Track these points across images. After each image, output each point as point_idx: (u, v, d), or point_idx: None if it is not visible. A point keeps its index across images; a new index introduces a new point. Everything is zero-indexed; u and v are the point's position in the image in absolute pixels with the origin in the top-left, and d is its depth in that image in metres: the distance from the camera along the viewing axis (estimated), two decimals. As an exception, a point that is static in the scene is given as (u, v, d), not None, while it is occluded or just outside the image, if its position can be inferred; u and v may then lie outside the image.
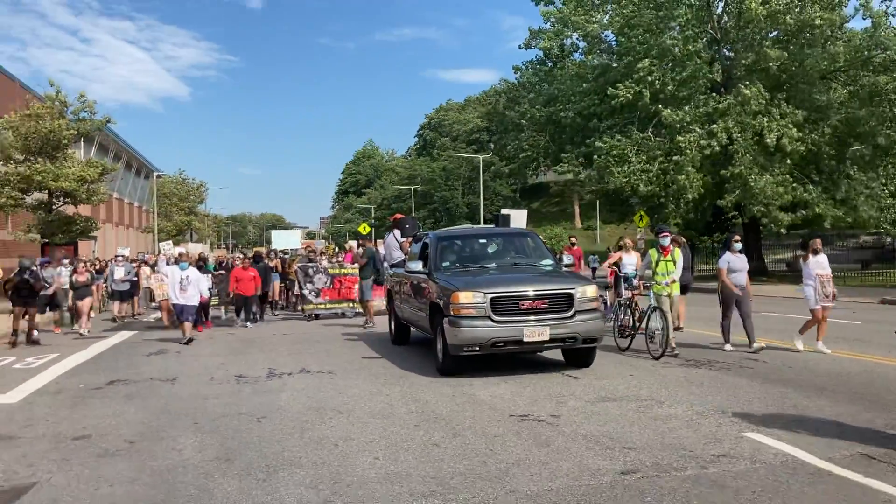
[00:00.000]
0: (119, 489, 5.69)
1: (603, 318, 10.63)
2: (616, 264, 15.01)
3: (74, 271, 18.06)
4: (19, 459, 6.63)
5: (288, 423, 7.66)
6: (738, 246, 12.36)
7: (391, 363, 11.64)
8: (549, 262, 11.71)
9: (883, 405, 7.73)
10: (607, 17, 35.73)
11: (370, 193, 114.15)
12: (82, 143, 37.86)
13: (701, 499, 5.07)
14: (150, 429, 7.69)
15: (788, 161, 29.48)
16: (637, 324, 12.28)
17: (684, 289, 13.97)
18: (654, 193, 31.26)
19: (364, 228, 51.22)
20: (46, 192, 28.44)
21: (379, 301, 18.20)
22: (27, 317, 15.61)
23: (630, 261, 14.79)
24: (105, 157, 44.95)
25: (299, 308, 21.27)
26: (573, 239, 22.55)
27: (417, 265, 11.71)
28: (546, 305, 9.83)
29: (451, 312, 9.84)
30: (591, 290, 10.15)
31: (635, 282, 12.89)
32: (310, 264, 21.11)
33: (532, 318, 9.74)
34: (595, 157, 32.64)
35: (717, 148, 29.27)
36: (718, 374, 9.90)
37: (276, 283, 23.09)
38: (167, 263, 18.86)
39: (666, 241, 11.96)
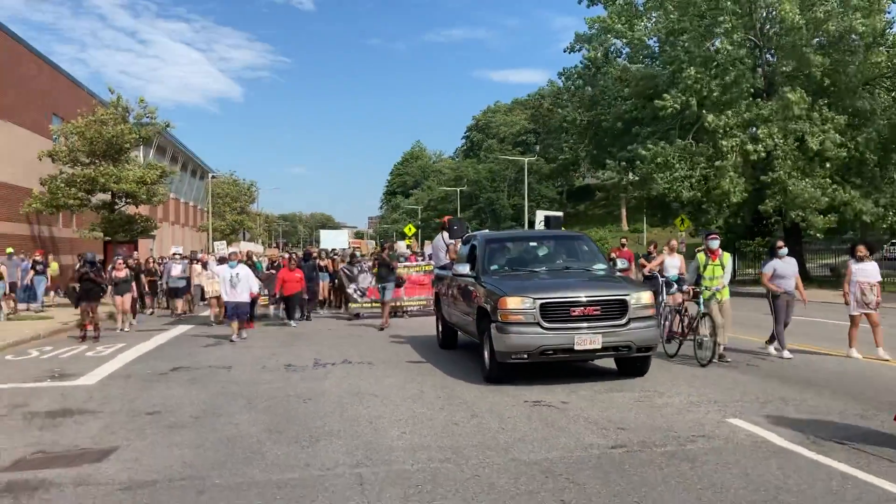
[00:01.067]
0: (188, 451, 6.82)
1: (658, 326, 10.39)
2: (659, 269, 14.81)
3: (114, 268, 18.74)
4: (103, 429, 7.82)
5: (330, 404, 8.76)
6: (784, 252, 12.24)
7: (431, 364, 11.92)
8: (602, 266, 11.37)
9: (859, 398, 8.51)
10: (651, 23, 36.18)
11: (417, 194, 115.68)
12: (141, 145, 39.62)
13: (672, 467, 5.99)
14: (211, 407, 8.85)
15: (828, 165, 29.67)
16: (686, 330, 11.94)
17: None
18: (697, 199, 31.70)
19: (410, 229, 52.57)
20: (109, 193, 30.11)
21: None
22: (91, 311, 16.33)
23: (673, 263, 14.60)
24: (163, 159, 46.92)
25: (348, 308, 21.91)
26: (624, 240, 21.91)
27: (465, 268, 11.47)
28: (599, 312, 9.42)
29: (499, 318, 9.52)
30: (646, 297, 9.77)
31: (685, 286, 12.32)
32: (353, 266, 22.03)
33: (584, 325, 9.36)
34: (637, 163, 33.16)
35: (763, 153, 29.58)
36: (724, 370, 10.69)
37: (325, 283, 24.07)
38: (217, 263, 19.60)
39: (715, 245, 11.75)
